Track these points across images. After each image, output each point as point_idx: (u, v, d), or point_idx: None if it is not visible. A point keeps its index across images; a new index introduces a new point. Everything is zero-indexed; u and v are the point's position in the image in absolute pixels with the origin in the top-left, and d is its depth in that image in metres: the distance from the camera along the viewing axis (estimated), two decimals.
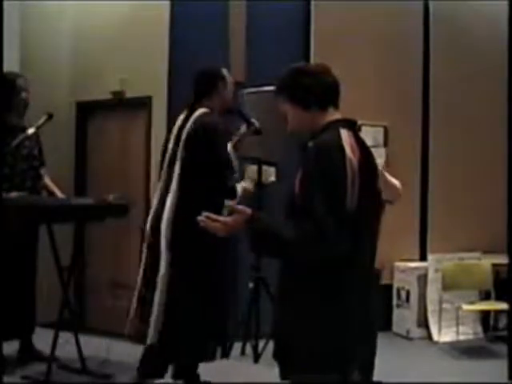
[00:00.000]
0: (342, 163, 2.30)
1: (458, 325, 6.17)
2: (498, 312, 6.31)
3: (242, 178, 4.52)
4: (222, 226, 2.39)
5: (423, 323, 6.41)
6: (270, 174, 5.93)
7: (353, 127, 2.46)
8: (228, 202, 2.41)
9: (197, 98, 4.18)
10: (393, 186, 3.56)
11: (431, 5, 6.80)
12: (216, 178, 4.02)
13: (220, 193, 3.94)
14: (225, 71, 4.29)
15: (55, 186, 5.13)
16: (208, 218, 2.40)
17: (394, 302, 6.58)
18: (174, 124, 4.23)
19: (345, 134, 2.39)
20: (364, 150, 2.42)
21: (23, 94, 4.95)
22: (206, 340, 4.15)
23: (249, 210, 2.39)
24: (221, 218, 2.40)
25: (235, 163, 4.10)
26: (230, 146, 4.18)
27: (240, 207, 2.40)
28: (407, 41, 6.67)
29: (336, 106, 2.50)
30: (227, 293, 4.05)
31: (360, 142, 2.43)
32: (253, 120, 4.27)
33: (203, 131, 4.03)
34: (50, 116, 4.62)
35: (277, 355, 2.47)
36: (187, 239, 3.94)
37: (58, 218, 4.69)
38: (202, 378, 4.31)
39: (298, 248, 2.30)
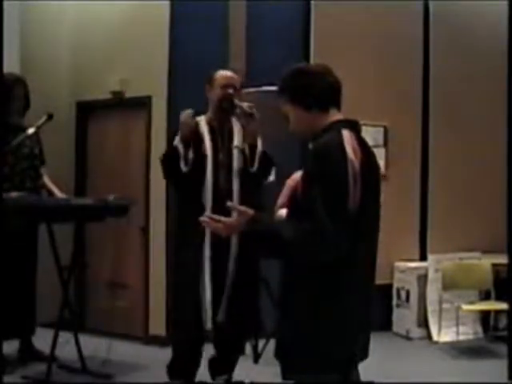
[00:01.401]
0: (344, 164, 2.30)
1: (457, 325, 6.17)
2: (497, 312, 6.31)
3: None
4: (224, 227, 2.40)
5: (423, 323, 6.41)
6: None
7: (355, 128, 2.46)
8: (230, 203, 2.41)
9: None
10: None
11: (431, 5, 6.80)
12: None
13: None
14: (217, 73, 4.20)
15: (54, 185, 5.13)
16: (211, 218, 2.42)
17: (394, 301, 6.58)
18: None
19: (347, 134, 2.39)
20: (366, 151, 2.41)
21: (22, 96, 4.95)
22: (181, 340, 4.20)
23: (250, 211, 2.40)
24: (223, 219, 2.41)
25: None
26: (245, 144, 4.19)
27: (242, 208, 2.41)
28: (407, 41, 6.67)
29: (338, 107, 2.50)
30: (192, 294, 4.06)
31: (362, 143, 2.43)
32: (239, 104, 4.10)
33: None
34: (50, 116, 4.62)
35: (278, 355, 2.47)
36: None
37: (57, 218, 4.69)
38: (201, 377, 4.31)
39: (298, 248, 2.30)
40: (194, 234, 3.98)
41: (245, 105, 4.08)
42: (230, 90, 4.13)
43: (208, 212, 3.79)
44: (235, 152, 4.15)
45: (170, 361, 4.23)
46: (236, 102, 4.10)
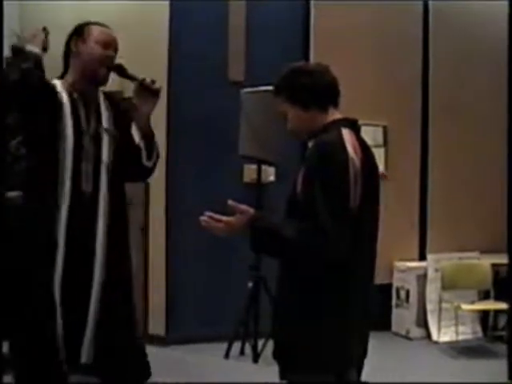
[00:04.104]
0: (345, 163, 2.29)
1: (457, 324, 6.16)
2: (497, 312, 6.30)
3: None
4: (225, 226, 2.36)
5: (422, 323, 6.40)
6: (269, 174, 5.94)
7: (354, 127, 2.46)
8: (230, 202, 2.35)
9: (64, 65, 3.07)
10: None
11: (431, 4, 6.80)
12: None
13: None
14: (90, 25, 3.01)
15: None
16: (211, 217, 2.37)
17: (394, 301, 6.57)
18: None
19: (347, 133, 2.38)
20: (365, 150, 2.41)
21: None
22: None
23: (251, 210, 2.37)
24: (224, 218, 2.36)
25: None
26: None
27: (243, 207, 2.37)
28: (407, 40, 6.67)
29: (336, 106, 2.49)
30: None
31: (361, 142, 2.42)
32: (133, 75, 3.20)
33: None
34: None
35: (276, 355, 2.47)
36: None
37: None
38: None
39: (299, 248, 2.29)
40: (45, 244, 3.07)
41: (148, 78, 3.10)
42: (112, 53, 3.07)
43: (63, 219, 2.93)
44: (105, 138, 2.99)
45: None
46: (130, 72, 3.14)
